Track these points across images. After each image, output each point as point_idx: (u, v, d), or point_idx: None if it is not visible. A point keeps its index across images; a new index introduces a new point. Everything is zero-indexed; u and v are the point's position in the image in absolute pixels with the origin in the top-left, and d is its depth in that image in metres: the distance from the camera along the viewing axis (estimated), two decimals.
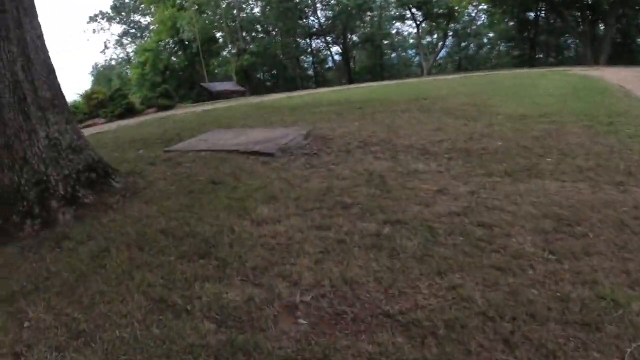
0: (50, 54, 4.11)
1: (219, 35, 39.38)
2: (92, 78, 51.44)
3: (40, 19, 4.07)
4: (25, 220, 3.53)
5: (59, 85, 4.12)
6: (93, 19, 46.69)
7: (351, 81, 40.78)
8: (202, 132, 7.58)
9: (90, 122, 15.83)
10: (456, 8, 37.54)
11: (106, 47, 48.96)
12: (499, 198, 3.35)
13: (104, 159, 4.48)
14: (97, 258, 2.85)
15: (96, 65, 50.92)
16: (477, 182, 3.80)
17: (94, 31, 47.38)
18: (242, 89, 6.45)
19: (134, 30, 50.13)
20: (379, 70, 43.72)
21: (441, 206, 3.21)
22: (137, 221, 3.30)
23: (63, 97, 4.18)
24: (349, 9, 37.16)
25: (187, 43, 37.20)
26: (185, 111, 15.73)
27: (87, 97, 16.63)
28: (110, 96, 16.40)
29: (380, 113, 7.95)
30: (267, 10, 38.88)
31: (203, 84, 6.12)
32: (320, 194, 3.53)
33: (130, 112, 16.12)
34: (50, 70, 4.01)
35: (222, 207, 3.37)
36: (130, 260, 2.73)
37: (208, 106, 16.88)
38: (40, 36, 3.96)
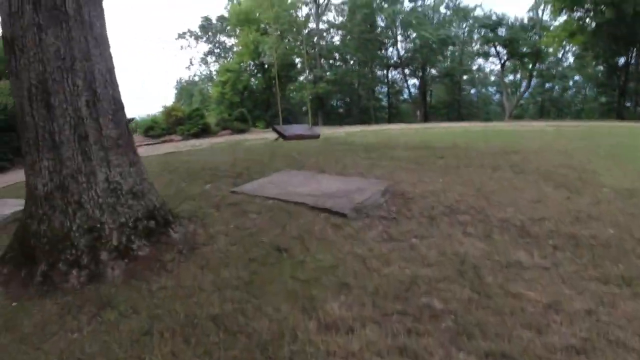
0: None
1: (297, 60, 40.25)
2: (175, 91, 54.58)
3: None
4: (71, 270, 3.23)
5: (126, 122, 3.88)
6: (181, 36, 49.70)
7: (426, 116, 39.80)
8: (271, 170, 7.24)
9: (167, 138, 16.39)
10: (544, 48, 35.65)
11: (191, 64, 51.87)
12: (621, 324, 2.57)
13: (165, 204, 4.17)
14: (137, 343, 2.43)
15: (180, 79, 54.11)
16: (592, 291, 3.02)
17: (181, 47, 50.25)
18: (316, 133, 6.17)
19: (218, 50, 52.82)
20: (456, 106, 42.39)
21: (555, 333, 2.48)
22: (189, 295, 2.87)
23: (129, 135, 3.93)
24: (430, 42, 36.52)
25: (266, 66, 38.36)
26: (257, 136, 15.80)
27: (167, 113, 17.28)
28: (188, 114, 16.92)
29: (466, 167, 7.18)
30: (347, 39, 39.23)
31: (276, 127, 5.93)
32: (402, 288, 2.91)
33: (205, 131, 16.51)
34: (118, 107, 3.77)
35: (285, 292, 2.85)
36: (172, 355, 2.27)
37: None
38: (110, 69, 3.73)
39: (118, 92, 3.82)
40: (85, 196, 3.48)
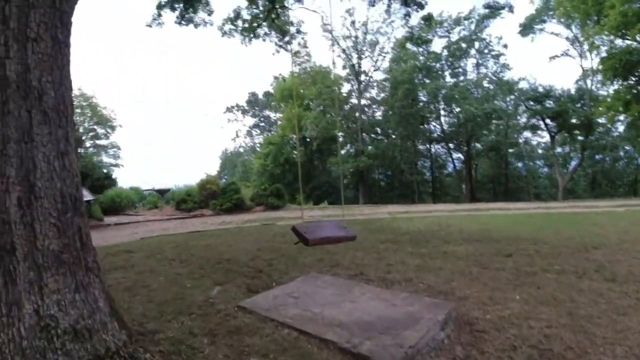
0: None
1: (339, 134, 40.19)
2: (220, 161, 55.77)
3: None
4: None
5: (79, 227, 2.77)
6: (229, 110, 51.48)
7: (472, 191, 37.90)
8: (297, 269, 5.94)
9: (198, 212, 15.63)
10: (595, 119, 33.68)
11: (237, 136, 53.17)
12: None
13: (130, 342, 2.90)
14: None
15: (225, 150, 55.36)
16: None
17: (229, 120, 51.93)
18: (350, 234, 4.90)
19: (263, 124, 54.30)
20: (502, 180, 40.33)
21: None
22: None
23: (82, 246, 2.80)
24: (475, 116, 35.51)
25: (308, 140, 38.47)
26: (291, 215, 14.69)
27: (202, 185, 16.67)
28: (222, 188, 16.22)
29: (543, 273, 5.60)
30: (389, 114, 39.00)
31: (296, 226, 4.53)
32: None
33: (238, 207, 15.64)
34: (68, 207, 2.68)
35: None
36: None
37: (315, 211, 15.77)
38: (64, 153, 2.69)
39: (73, 186, 2.75)
40: (4, 336, 2.31)
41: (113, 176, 20.12)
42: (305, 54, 38.58)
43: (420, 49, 38.65)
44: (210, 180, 16.95)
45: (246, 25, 12.77)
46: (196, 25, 12.08)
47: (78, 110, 40.47)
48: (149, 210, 16.92)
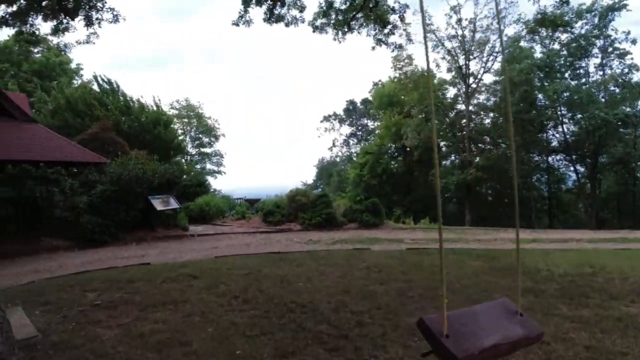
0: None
1: (442, 144, 37.13)
2: (316, 170, 55.25)
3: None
4: None
5: None
6: (326, 119, 50.69)
7: (598, 214, 32.44)
8: (400, 345, 3.98)
9: (285, 226, 14.30)
10: None
11: (333, 145, 52.17)
12: None
13: None
14: None
15: (322, 159, 54.71)
16: None
17: (325, 129, 51.14)
18: (534, 333, 3.12)
19: (360, 133, 52.69)
20: (629, 199, 33.96)
21: None
22: None
23: None
24: (605, 123, 30.12)
25: (407, 149, 36.08)
26: (388, 236, 12.64)
27: (291, 197, 15.36)
28: (312, 201, 14.75)
29: None
30: (500, 121, 34.93)
31: (427, 323, 2.80)
32: None
33: (329, 222, 14.03)
34: None
35: None
36: None
37: (418, 233, 13.54)
38: None
39: None
40: None
41: (208, 183, 19.86)
42: (406, 58, 36.08)
43: (538, 46, 34.11)
44: (300, 191, 15.59)
45: (340, 17, 11.08)
46: (287, 24, 10.66)
47: (185, 120, 42.62)
48: (236, 220, 16.04)
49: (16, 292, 6.14)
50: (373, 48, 11.07)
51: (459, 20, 32.99)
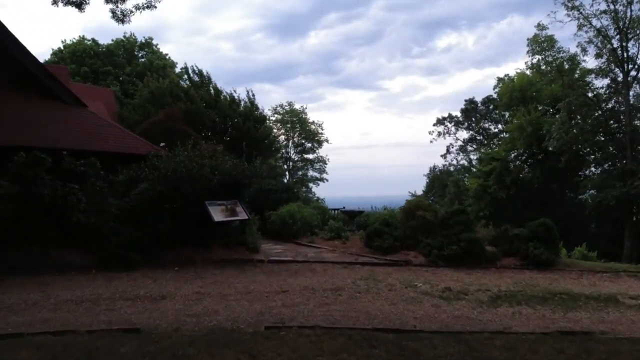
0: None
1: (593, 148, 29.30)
2: (427, 180, 48.92)
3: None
4: None
5: None
6: (440, 122, 44.58)
7: None
8: None
9: (399, 256, 9.28)
10: None
11: (448, 152, 45.58)
12: None
13: None
14: None
15: (433, 167, 48.29)
16: None
17: (439, 134, 44.83)
18: None
19: (480, 137, 45.49)
20: None
21: None
22: None
23: None
24: None
25: (540, 156, 29.05)
26: (589, 289, 7.00)
27: (408, 211, 10.36)
28: (442, 219, 9.59)
29: None
30: None
31: None
32: None
33: (471, 254, 8.78)
34: None
35: None
36: None
37: (633, 284, 7.62)
38: None
39: None
40: None
41: (299, 189, 15.62)
42: (544, 39, 28.51)
43: None
44: (422, 203, 10.48)
45: None
46: None
47: (288, 125, 39.99)
48: (329, 240, 11.49)
49: None
50: None
51: None
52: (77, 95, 12.25)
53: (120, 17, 9.50)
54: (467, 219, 9.51)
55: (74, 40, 30.40)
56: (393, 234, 9.89)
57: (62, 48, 30.16)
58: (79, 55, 29.05)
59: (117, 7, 9.45)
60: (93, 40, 30.63)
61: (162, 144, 11.19)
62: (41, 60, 14.39)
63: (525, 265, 8.78)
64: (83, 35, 31.65)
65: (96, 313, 5.36)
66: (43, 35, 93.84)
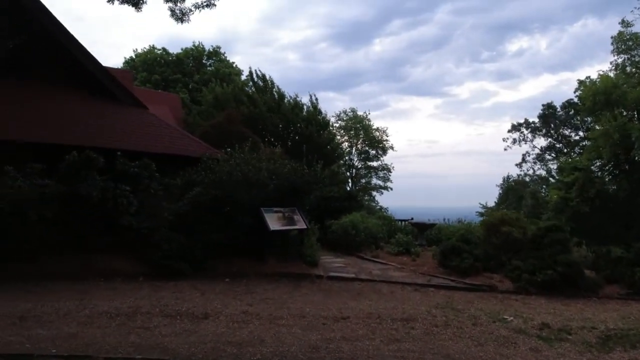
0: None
1: None
2: (500, 191, 45.54)
3: None
4: None
5: None
6: (516, 128, 41.44)
7: None
8: None
9: (481, 279, 7.85)
10: None
11: (524, 160, 42.13)
12: None
13: None
14: None
15: (507, 177, 44.89)
16: None
17: (514, 141, 41.58)
18: None
19: (559, 145, 41.68)
20: None
21: None
22: None
23: None
24: None
25: (626, 166, 25.76)
26: None
27: (490, 226, 8.95)
28: (533, 236, 8.10)
29: None
30: None
31: None
32: None
33: (568, 281, 7.25)
34: None
35: None
36: None
37: None
38: None
39: None
40: None
41: (363, 197, 14.51)
42: (629, 37, 25.30)
43: None
44: (508, 218, 8.98)
45: None
46: None
47: (352, 132, 39.05)
48: (395, 255, 10.32)
49: None
50: None
51: None
52: (141, 99, 12.13)
53: (179, 16, 9.22)
54: (564, 238, 7.95)
55: (145, 50, 31.58)
56: (473, 252, 8.52)
57: (133, 57, 31.41)
58: (150, 64, 30.07)
59: (176, 5, 9.18)
60: (163, 49, 31.66)
61: (226, 148, 10.66)
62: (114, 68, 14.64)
63: (631, 295, 7.13)
64: (153, 45, 32.82)
65: (128, 331, 4.68)
66: (120, 45, 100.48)
